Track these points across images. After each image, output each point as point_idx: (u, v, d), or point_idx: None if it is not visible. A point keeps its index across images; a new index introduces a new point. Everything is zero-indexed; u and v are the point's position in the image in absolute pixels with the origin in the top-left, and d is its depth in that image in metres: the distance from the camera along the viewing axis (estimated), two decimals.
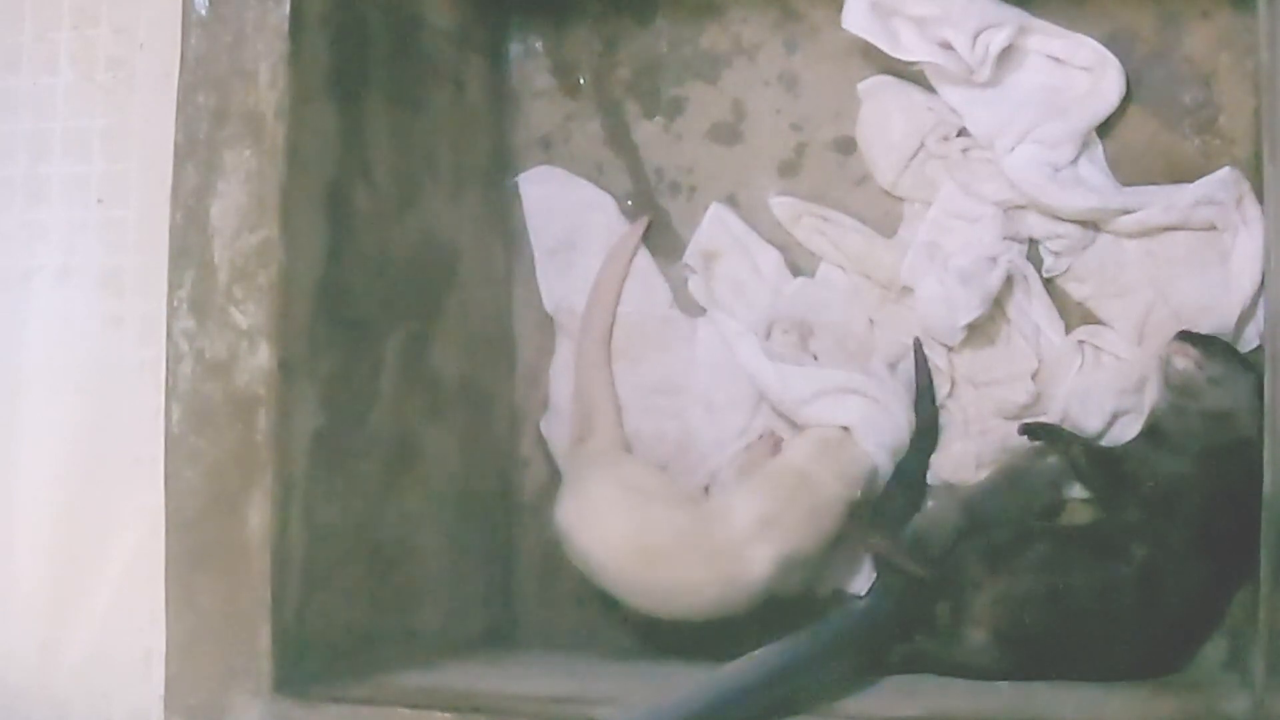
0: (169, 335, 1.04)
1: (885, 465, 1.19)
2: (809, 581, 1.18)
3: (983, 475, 1.18)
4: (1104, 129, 1.18)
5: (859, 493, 1.15)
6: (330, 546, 1.07)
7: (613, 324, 1.27)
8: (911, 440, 1.19)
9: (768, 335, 1.23)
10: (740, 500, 1.15)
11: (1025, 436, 1.15)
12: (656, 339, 1.27)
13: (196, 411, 1.03)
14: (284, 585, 1.02)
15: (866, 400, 1.19)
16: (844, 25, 1.20)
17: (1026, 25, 1.18)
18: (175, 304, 1.04)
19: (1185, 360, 1.09)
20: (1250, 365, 1.09)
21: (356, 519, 1.10)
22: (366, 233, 1.12)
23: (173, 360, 1.04)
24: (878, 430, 1.19)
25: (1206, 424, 1.09)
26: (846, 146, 1.25)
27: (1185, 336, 1.10)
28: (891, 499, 1.17)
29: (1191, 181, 1.14)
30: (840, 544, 1.17)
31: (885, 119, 1.22)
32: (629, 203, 1.30)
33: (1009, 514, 1.15)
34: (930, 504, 1.17)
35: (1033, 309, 1.18)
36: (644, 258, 1.28)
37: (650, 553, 1.15)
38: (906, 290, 1.21)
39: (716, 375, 1.25)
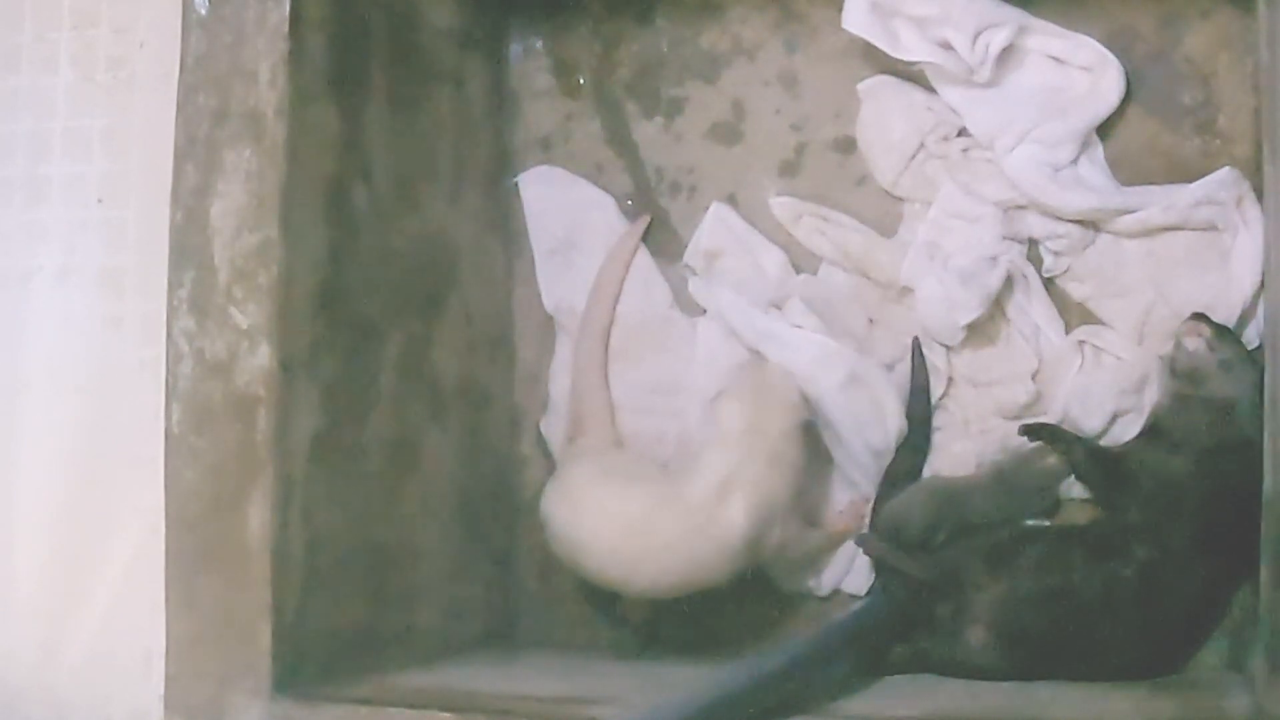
0: (169, 335, 1.04)
1: (868, 464, 1.19)
2: (793, 543, 1.17)
3: None
4: (1104, 129, 1.18)
5: (806, 415, 1.16)
6: (330, 546, 1.07)
7: (611, 324, 1.27)
8: (905, 440, 1.19)
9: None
10: (702, 469, 1.16)
11: (1025, 437, 1.15)
12: (656, 339, 1.27)
13: (196, 411, 1.03)
14: (284, 585, 1.02)
15: (863, 392, 1.19)
16: (844, 25, 1.20)
17: (1026, 25, 1.18)
18: (175, 304, 1.04)
19: (1197, 340, 1.09)
20: (1256, 360, 1.09)
21: (356, 519, 1.10)
22: (366, 233, 1.12)
23: (173, 360, 1.04)
24: (865, 428, 1.19)
25: (1209, 416, 1.09)
26: (846, 146, 1.25)
27: (1199, 317, 1.10)
28: (888, 499, 1.17)
29: (1191, 181, 1.14)
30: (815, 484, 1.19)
31: (885, 119, 1.22)
32: (629, 203, 1.30)
33: (994, 514, 1.15)
34: (908, 491, 1.17)
35: (1033, 309, 1.18)
36: (644, 258, 1.28)
37: (627, 527, 1.15)
38: (906, 290, 1.21)
39: (716, 375, 1.25)
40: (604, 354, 1.27)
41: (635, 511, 1.16)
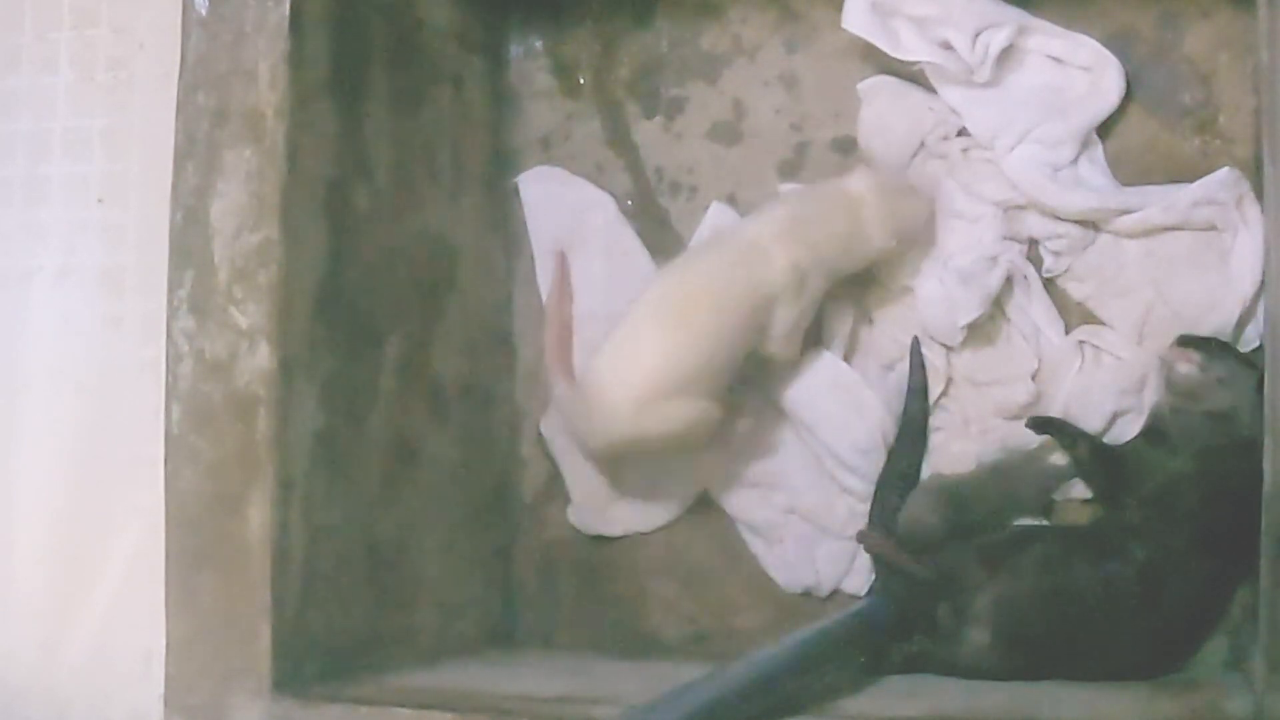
0: (169, 335, 1.04)
1: (858, 465, 1.19)
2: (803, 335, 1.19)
3: None
4: (1104, 129, 1.18)
5: (895, 244, 1.17)
6: (330, 546, 1.07)
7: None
8: (902, 440, 1.19)
9: None
10: (783, 201, 1.18)
11: (1033, 430, 1.15)
12: None
13: (196, 411, 1.03)
14: (284, 585, 1.02)
15: (843, 397, 1.19)
16: (844, 25, 1.20)
17: (1026, 25, 1.18)
18: (175, 304, 1.04)
19: (1189, 365, 1.09)
20: (1250, 362, 1.09)
21: (356, 519, 1.10)
22: (366, 233, 1.12)
23: (173, 360, 1.04)
24: (849, 430, 1.19)
25: (1208, 424, 1.09)
26: (846, 146, 1.25)
27: (1185, 341, 1.10)
28: (887, 499, 1.17)
29: (1191, 181, 1.14)
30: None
31: (885, 119, 1.22)
32: (629, 203, 1.30)
33: (992, 507, 1.15)
34: (915, 493, 1.17)
35: (1033, 309, 1.18)
36: (644, 257, 1.28)
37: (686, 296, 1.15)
38: (906, 290, 1.21)
39: None
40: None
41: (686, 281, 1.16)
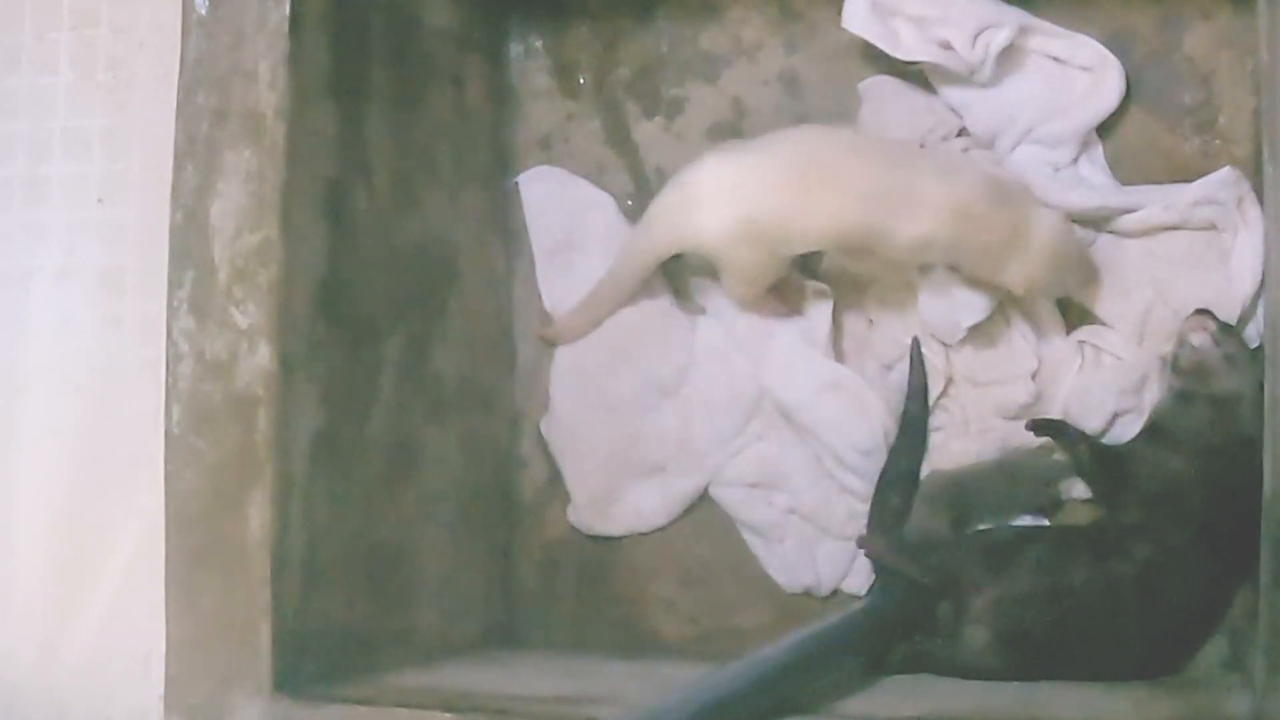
0: (169, 335, 1.04)
1: (858, 465, 1.19)
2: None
3: None
4: (1104, 129, 1.18)
5: (1022, 293, 1.13)
6: (330, 546, 1.07)
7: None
8: (901, 440, 1.19)
9: None
10: (973, 174, 1.12)
11: (1032, 431, 1.15)
12: (657, 337, 1.27)
13: (196, 411, 1.03)
14: (284, 585, 1.02)
15: (843, 398, 1.19)
16: (844, 25, 1.20)
17: (1026, 25, 1.18)
18: (175, 304, 1.04)
19: (1203, 334, 1.09)
20: (1257, 358, 1.09)
21: (356, 519, 1.10)
22: (366, 233, 1.12)
23: (173, 360, 1.04)
24: (849, 431, 1.19)
25: (1212, 413, 1.09)
26: None
27: (1204, 312, 1.10)
28: (887, 500, 1.17)
29: (1191, 181, 1.15)
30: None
31: (885, 119, 1.22)
32: (629, 203, 1.30)
33: (995, 502, 1.15)
34: (919, 498, 1.16)
35: (1033, 309, 1.18)
36: None
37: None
38: (907, 290, 1.21)
39: (716, 373, 1.25)
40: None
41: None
